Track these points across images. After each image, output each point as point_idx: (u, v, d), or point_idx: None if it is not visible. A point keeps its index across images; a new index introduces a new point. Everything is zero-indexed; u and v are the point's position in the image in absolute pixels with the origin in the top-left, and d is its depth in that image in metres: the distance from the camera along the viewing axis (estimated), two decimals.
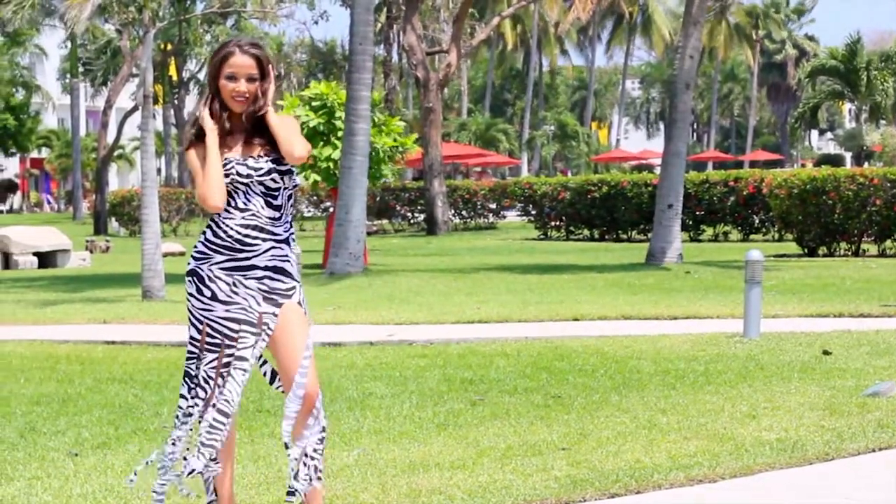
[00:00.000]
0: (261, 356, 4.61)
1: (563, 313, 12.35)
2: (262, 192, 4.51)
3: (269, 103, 4.52)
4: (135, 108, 46.56)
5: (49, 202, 72.32)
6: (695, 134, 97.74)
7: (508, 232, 35.49)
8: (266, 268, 4.50)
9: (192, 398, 4.53)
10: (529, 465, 5.74)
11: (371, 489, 5.36)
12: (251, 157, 4.52)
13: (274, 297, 4.52)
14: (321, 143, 20.25)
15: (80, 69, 54.49)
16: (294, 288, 4.56)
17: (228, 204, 4.49)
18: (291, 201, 4.61)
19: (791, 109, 72.20)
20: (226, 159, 4.49)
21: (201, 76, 55.49)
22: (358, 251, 18.71)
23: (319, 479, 4.50)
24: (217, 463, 4.55)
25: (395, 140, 21.11)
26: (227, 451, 4.62)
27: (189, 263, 4.58)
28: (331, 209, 22.98)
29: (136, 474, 4.66)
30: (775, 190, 21.86)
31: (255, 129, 4.54)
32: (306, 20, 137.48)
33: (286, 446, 4.47)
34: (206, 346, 4.53)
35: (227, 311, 4.50)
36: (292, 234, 4.60)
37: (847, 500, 5.14)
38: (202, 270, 4.52)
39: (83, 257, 25.53)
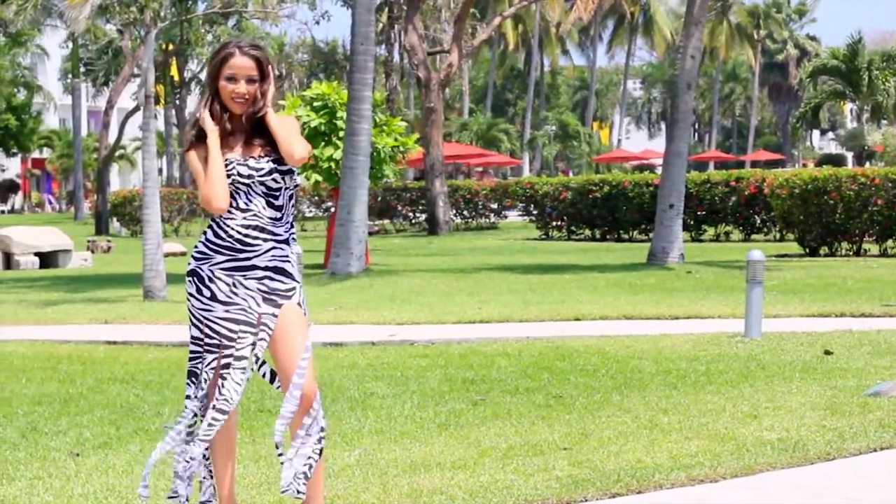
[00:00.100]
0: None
1: (565, 313, 12.35)
2: (263, 193, 4.51)
3: (268, 104, 4.51)
4: (136, 109, 46.59)
5: (50, 202, 72.37)
6: (696, 134, 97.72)
7: (510, 232, 35.50)
8: (266, 268, 4.50)
9: (200, 399, 4.54)
10: (531, 465, 5.74)
11: (372, 489, 5.36)
12: (252, 157, 4.52)
13: (273, 297, 4.52)
14: (323, 144, 20.26)
15: (82, 69, 54.48)
16: (294, 289, 4.56)
17: (230, 204, 4.49)
18: (293, 201, 4.62)
19: (792, 109, 72.14)
20: (227, 160, 4.49)
21: (203, 76, 55.48)
22: (359, 251, 18.72)
23: (308, 479, 4.47)
24: (207, 460, 4.57)
25: (396, 140, 21.11)
26: (228, 450, 4.63)
27: (189, 263, 4.58)
28: (332, 209, 22.98)
29: (147, 486, 4.65)
30: (777, 190, 21.86)
31: (255, 130, 4.53)
32: (308, 20, 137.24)
33: (276, 445, 4.47)
34: (207, 347, 4.54)
35: (226, 311, 4.50)
36: (293, 233, 4.60)
37: (848, 500, 5.13)
38: (202, 271, 4.52)
39: (84, 257, 25.54)
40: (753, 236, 28.43)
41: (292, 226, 4.61)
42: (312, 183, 20.93)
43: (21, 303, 15.48)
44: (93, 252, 28.91)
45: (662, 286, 15.58)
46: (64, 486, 5.60)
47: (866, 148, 50.21)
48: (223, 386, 4.49)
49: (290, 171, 4.53)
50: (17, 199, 70.38)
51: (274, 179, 4.51)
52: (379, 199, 37.08)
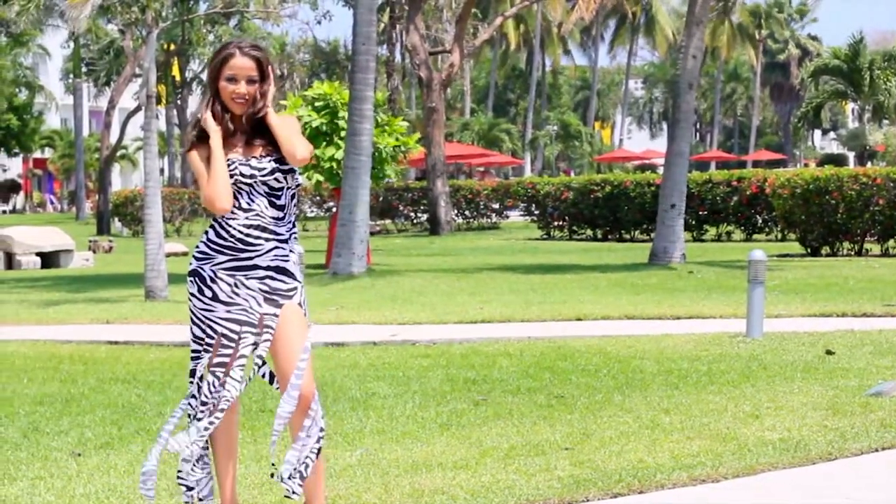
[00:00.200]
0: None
1: (566, 313, 12.35)
2: (265, 193, 4.51)
3: (268, 105, 4.51)
4: (138, 109, 46.53)
5: (52, 202, 72.40)
6: (698, 134, 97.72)
7: (511, 232, 35.50)
8: (268, 268, 4.50)
9: (199, 400, 4.54)
10: (532, 465, 5.74)
11: (374, 489, 5.35)
12: (254, 157, 4.52)
13: (275, 297, 4.52)
14: (324, 144, 20.26)
15: (84, 69, 54.49)
16: (295, 289, 4.55)
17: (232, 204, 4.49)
18: (295, 201, 4.62)
19: (794, 109, 72.14)
20: (229, 160, 4.49)
21: (204, 76, 55.48)
22: (361, 251, 18.72)
23: (304, 479, 4.47)
24: (205, 458, 4.59)
25: (398, 140, 21.11)
26: (230, 450, 4.63)
27: (191, 263, 4.58)
28: (334, 209, 22.98)
29: (152, 486, 4.65)
30: (778, 190, 21.86)
31: (256, 130, 4.53)
32: (309, 20, 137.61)
33: (272, 444, 4.48)
34: (207, 347, 4.54)
35: (227, 311, 4.50)
36: (294, 233, 4.60)
37: (850, 500, 5.13)
38: (204, 271, 4.52)
39: (86, 257, 25.55)
40: (755, 236, 28.43)
41: (294, 226, 4.61)
42: (314, 183, 20.94)
43: (23, 303, 15.49)
44: (94, 252, 28.91)
45: (664, 286, 15.58)
46: (65, 486, 5.60)
47: (868, 148, 50.19)
48: (224, 386, 4.49)
49: (292, 171, 4.53)
50: (18, 200, 70.43)
51: (276, 179, 4.51)
52: (380, 199, 37.08)
